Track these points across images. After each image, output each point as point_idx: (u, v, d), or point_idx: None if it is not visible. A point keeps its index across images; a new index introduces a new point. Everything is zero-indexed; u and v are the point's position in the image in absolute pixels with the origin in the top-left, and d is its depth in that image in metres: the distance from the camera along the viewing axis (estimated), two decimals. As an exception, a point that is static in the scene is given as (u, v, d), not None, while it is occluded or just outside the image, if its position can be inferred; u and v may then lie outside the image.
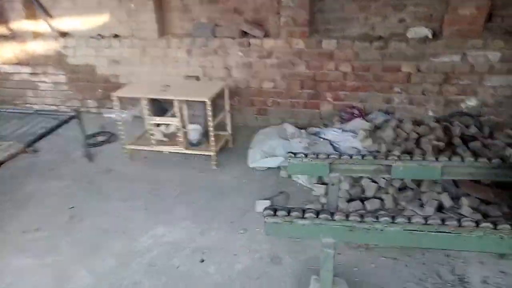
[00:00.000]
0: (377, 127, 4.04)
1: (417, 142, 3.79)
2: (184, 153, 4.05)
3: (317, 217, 1.48)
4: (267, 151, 3.97)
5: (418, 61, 4.00)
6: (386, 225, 1.44)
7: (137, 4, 4.51)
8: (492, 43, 3.73)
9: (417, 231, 1.43)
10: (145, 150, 4.14)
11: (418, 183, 3.41)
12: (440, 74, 4.01)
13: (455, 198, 3.13)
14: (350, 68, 4.19)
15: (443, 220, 1.43)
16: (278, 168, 3.86)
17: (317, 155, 1.96)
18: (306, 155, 1.96)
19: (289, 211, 1.53)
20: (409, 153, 3.61)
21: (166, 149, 4.06)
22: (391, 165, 1.87)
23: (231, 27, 4.42)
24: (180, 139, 3.91)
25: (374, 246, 2.89)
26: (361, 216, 1.49)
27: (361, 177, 3.25)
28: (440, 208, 3.09)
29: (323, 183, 3.49)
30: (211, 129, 3.78)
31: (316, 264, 2.78)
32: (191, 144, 4.04)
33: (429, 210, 3.04)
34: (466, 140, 3.78)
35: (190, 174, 3.92)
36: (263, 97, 4.65)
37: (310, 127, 4.49)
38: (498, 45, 3.72)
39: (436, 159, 1.85)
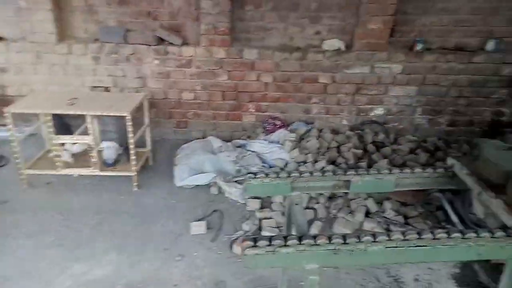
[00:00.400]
0: (301, 138, 4.14)
1: (338, 151, 4.01)
2: (99, 175, 3.56)
3: (300, 243, 1.38)
4: (194, 167, 3.74)
5: (333, 72, 4.22)
6: (369, 245, 1.41)
7: (28, 1, 3.83)
8: (395, 56, 4.14)
9: (398, 247, 1.42)
10: (49, 174, 3.52)
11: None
12: (352, 85, 4.30)
13: (378, 203, 3.38)
14: (271, 79, 4.21)
15: (419, 234, 1.46)
16: (207, 184, 3.67)
17: (278, 174, 1.86)
18: (267, 175, 1.84)
19: (270, 240, 1.39)
20: (333, 162, 3.81)
21: (76, 171, 3.52)
22: (349, 180, 1.88)
23: (145, 32, 4.06)
24: (93, 159, 3.42)
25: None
26: (343, 237, 1.44)
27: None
28: (367, 213, 3.29)
29: (256, 197, 3.43)
30: (131, 146, 3.40)
31: (262, 284, 2.69)
32: (106, 165, 3.58)
33: (359, 216, 3.21)
34: (377, 146, 4.13)
35: (108, 199, 3.46)
36: (182, 109, 4.39)
37: (233, 139, 4.39)
38: (400, 58, 4.14)
39: (390, 171, 1.91)
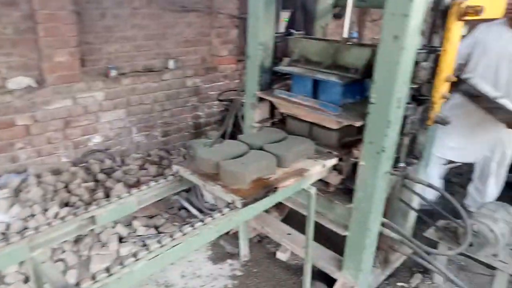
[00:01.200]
0: (19, 190, 3.58)
1: (68, 191, 3.76)
2: None
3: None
4: None
5: (32, 112, 3.86)
6: (133, 265, 1.51)
7: None
8: (94, 85, 4.23)
9: (159, 255, 1.60)
10: None
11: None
12: (59, 120, 4.08)
13: (127, 225, 3.47)
14: (-49, 134, 3.39)
15: (171, 236, 1.69)
16: None
17: (8, 241, 1.60)
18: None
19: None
20: (67, 204, 3.54)
21: None
22: (94, 216, 1.87)
23: None
24: None
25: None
26: (107, 269, 1.46)
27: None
28: (120, 239, 3.31)
29: None
30: None
31: None
32: None
33: (113, 245, 3.19)
34: (107, 173, 4.17)
35: None
36: None
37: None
38: (99, 86, 4.27)
39: (129, 193, 2.05)
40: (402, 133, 2.26)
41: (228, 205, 1.94)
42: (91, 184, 3.87)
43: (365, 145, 2.25)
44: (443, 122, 2.28)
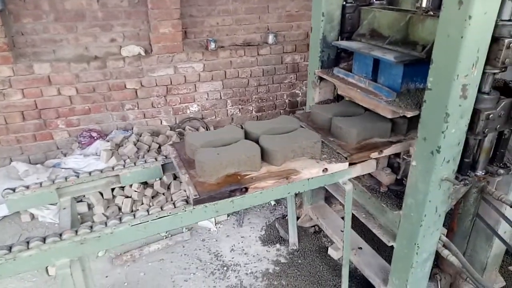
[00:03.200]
0: (118, 145, 4.14)
1: (159, 151, 4.17)
2: None
3: (44, 243, 1.44)
4: (-5, 198, 3.38)
5: (139, 77, 4.33)
6: (115, 227, 1.57)
7: None
8: (193, 56, 4.49)
9: (142, 223, 1.62)
10: None
11: (168, 186, 3.80)
12: (161, 87, 4.49)
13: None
14: (75, 91, 4.08)
15: (161, 208, 1.68)
16: (18, 212, 3.37)
17: (41, 184, 1.87)
18: (27, 187, 1.83)
19: (10, 248, 1.41)
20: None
21: None
22: (118, 175, 2.01)
23: None
24: None
25: (140, 256, 3.02)
26: (91, 226, 1.55)
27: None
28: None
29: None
30: None
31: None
32: None
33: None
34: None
35: None
36: (-26, 138, 3.89)
37: (48, 159, 4.12)
38: (198, 57, 4.52)
39: (156, 159, 2.12)
40: (473, 132, 1.71)
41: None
42: (177, 147, 4.19)
43: (418, 141, 1.80)
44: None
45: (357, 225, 2.61)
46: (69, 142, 4.29)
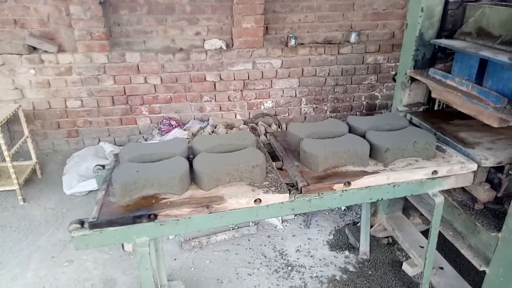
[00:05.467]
0: (194, 134, 4.28)
1: (230, 143, 4.24)
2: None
3: (128, 219, 1.50)
4: (84, 174, 3.69)
5: (219, 71, 4.44)
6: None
7: None
8: (273, 52, 4.48)
9: (219, 212, 1.62)
10: None
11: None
12: (239, 81, 4.56)
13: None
14: (159, 80, 4.30)
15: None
16: (100, 189, 3.65)
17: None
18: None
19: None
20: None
21: None
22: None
23: (13, 41, 3.89)
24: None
25: (207, 244, 3.09)
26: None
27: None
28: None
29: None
30: (7, 159, 3.26)
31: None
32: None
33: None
34: (269, 136, 4.44)
35: (-12, 216, 3.28)
36: (71, 117, 4.29)
37: (130, 143, 4.41)
38: (277, 53, 4.49)
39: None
40: None
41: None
42: (249, 142, 4.22)
43: (532, 155, 1.56)
44: None
45: (438, 243, 2.37)
46: (150, 128, 4.55)
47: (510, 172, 1.78)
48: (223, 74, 4.48)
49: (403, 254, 2.84)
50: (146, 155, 1.76)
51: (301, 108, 4.93)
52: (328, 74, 4.77)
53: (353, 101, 5.03)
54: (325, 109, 5.00)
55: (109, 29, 4.08)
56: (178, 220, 1.56)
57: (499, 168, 1.88)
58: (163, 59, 4.21)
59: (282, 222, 3.34)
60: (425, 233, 2.70)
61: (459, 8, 2.20)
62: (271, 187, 1.67)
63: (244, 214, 1.64)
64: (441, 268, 2.35)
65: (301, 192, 1.67)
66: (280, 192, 1.64)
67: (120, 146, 4.28)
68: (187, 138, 4.15)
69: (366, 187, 1.74)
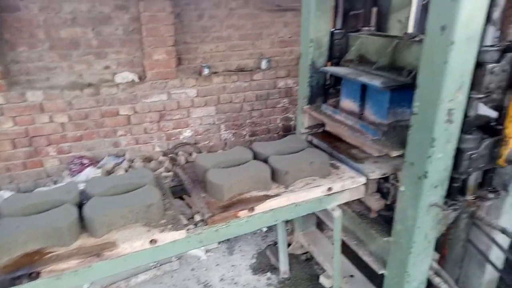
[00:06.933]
0: (109, 172, 4.10)
1: (149, 176, 4.12)
2: None
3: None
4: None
5: (133, 103, 4.35)
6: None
7: None
8: (187, 82, 4.53)
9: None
10: None
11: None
12: (155, 112, 4.50)
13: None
14: (67, 118, 4.08)
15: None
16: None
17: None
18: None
19: None
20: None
21: None
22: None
23: None
24: None
25: None
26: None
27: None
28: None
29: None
30: None
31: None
32: None
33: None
34: (190, 165, 4.41)
35: None
36: (-38, 166, 3.85)
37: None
38: (192, 83, 4.55)
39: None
40: (458, 171, 1.70)
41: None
42: (170, 174, 4.15)
43: (406, 166, 1.78)
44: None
45: (350, 252, 2.54)
46: (59, 169, 4.25)
47: (393, 181, 2.00)
48: (138, 107, 4.40)
49: (320, 267, 2.98)
50: (30, 206, 1.62)
51: (220, 135, 5.00)
52: (244, 100, 4.93)
53: (270, 124, 5.24)
54: (244, 133, 5.14)
55: (6, 67, 3.80)
56: (61, 275, 1.45)
57: (387, 179, 2.09)
58: (69, 96, 4.02)
59: (205, 252, 3.31)
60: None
61: (343, 38, 2.46)
62: (168, 225, 1.63)
63: (139, 257, 1.58)
64: (352, 276, 2.51)
65: (207, 224, 1.69)
66: (177, 230, 1.61)
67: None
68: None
69: (270, 210, 1.82)
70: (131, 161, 4.39)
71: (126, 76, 4.35)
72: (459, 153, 1.68)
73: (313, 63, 2.47)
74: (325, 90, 2.58)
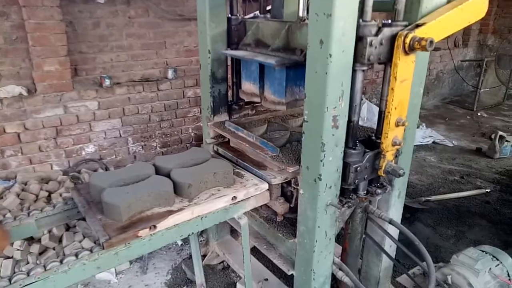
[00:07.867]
0: (-3, 197, 3.61)
1: (48, 200, 3.73)
2: None
3: None
4: None
5: (22, 120, 3.91)
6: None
7: None
8: (86, 94, 4.22)
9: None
10: None
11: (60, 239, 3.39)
12: (50, 128, 4.11)
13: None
14: None
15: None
16: None
17: None
18: None
19: None
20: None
21: None
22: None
23: None
24: None
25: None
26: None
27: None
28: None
29: None
30: None
31: None
32: None
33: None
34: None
35: None
36: None
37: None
38: (92, 95, 4.25)
39: (28, 214, 1.88)
40: (346, 183, 1.87)
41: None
42: (69, 194, 3.81)
43: (303, 170, 1.88)
44: (395, 173, 1.84)
45: (264, 256, 2.60)
46: None
47: (294, 185, 2.10)
48: (28, 123, 3.97)
49: (237, 275, 3.00)
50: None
51: (128, 148, 4.76)
52: (151, 110, 4.77)
53: (181, 134, 5.14)
54: (155, 145, 4.96)
55: None
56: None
57: (289, 183, 2.19)
58: None
59: (116, 275, 3.10)
60: (253, 250, 2.92)
61: (240, 24, 2.46)
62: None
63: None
64: (266, 279, 2.57)
65: (103, 248, 1.58)
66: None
67: None
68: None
69: (174, 225, 1.78)
70: (24, 183, 3.93)
71: (12, 89, 3.89)
72: (345, 166, 1.83)
73: (213, 73, 2.48)
74: (229, 106, 2.62)
